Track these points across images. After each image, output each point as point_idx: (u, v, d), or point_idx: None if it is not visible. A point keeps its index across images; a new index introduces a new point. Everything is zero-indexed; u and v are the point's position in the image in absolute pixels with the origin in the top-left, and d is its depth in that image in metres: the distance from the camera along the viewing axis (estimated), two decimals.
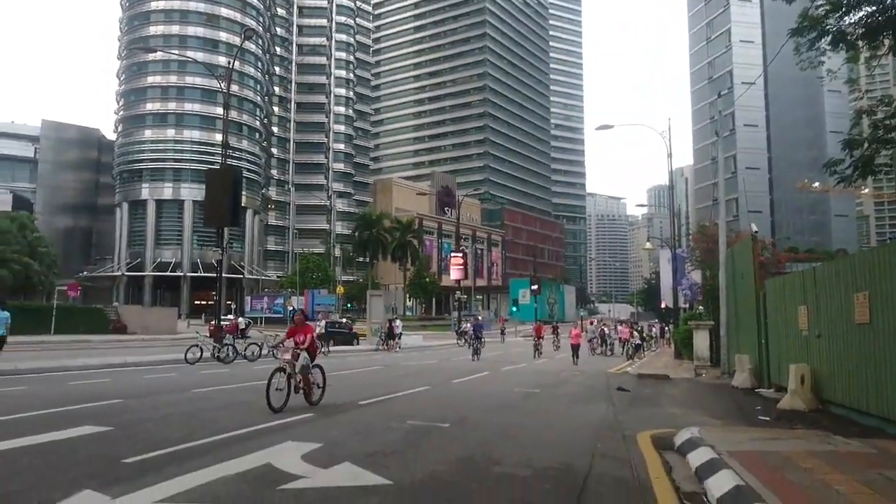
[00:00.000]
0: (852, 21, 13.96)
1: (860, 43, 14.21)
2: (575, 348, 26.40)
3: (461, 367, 21.66)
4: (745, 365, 15.45)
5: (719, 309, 19.27)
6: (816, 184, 74.68)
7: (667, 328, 46.99)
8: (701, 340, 21.39)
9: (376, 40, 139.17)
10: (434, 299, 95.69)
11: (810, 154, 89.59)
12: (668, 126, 31.02)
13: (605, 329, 37.61)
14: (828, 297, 10.77)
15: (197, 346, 20.81)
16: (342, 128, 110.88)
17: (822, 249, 58.35)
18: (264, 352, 23.05)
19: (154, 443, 7.20)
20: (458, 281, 55.45)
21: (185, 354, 20.41)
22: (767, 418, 10.41)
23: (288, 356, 10.10)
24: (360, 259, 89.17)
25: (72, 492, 5.18)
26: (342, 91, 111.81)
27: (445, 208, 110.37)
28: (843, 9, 13.58)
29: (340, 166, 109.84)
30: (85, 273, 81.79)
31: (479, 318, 72.40)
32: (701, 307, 29.90)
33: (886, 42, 14.00)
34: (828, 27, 13.68)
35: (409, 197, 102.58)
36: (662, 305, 49.42)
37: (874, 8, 13.46)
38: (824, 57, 14.85)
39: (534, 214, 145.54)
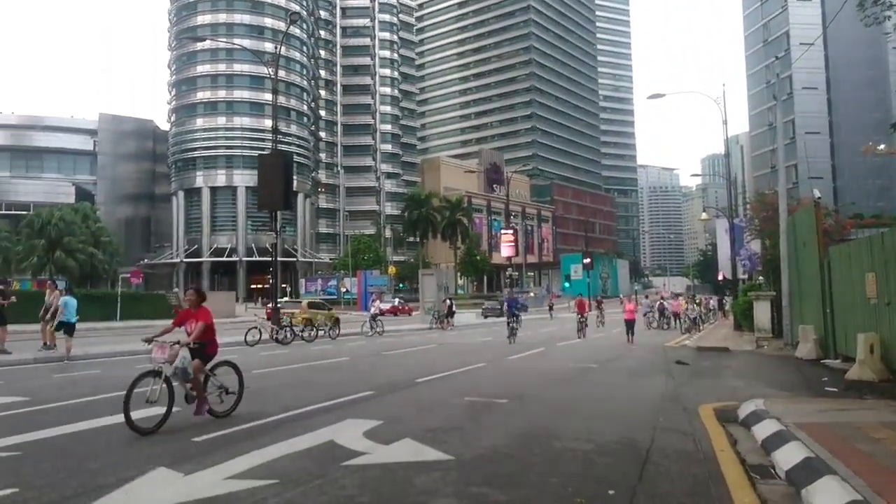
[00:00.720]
0: None
1: None
2: (629, 324, 23.00)
3: (515, 345, 21.65)
4: (810, 335, 15.02)
5: (780, 279, 18.73)
6: (882, 146, 71.18)
7: (724, 300, 45.93)
8: (762, 311, 20.84)
9: (419, 18, 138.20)
10: (485, 277, 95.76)
11: (874, 116, 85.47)
12: (722, 92, 29.96)
13: (664, 302, 36.87)
14: None
15: (256, 328, 21.39)
16: (388, 108, 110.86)
17: (889, 215, 55.82)
18: (321, 333, 23.86)
19: (221, 422, 7.44)
20: (509, 258, 55.19)
21: (245, 337, 20.97)
22: (835, 389, 10.10)
23: (163, 355, 7.44)
24: (411, 239, 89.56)
25: (147, 469, 5.41)
26: (387, 71, 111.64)
27: (494, 185, 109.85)
28: None
29: (388, 147, 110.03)
30: (146, 261, 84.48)
31: (532, 294, 71.23)
32: (761, 278, 29.09)
33: None
34: None
35: (457, 175, 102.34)
36: (720, 277, 48.25)
37: None
38: (890, 11, 14.14)
39: (584, 188, 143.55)
